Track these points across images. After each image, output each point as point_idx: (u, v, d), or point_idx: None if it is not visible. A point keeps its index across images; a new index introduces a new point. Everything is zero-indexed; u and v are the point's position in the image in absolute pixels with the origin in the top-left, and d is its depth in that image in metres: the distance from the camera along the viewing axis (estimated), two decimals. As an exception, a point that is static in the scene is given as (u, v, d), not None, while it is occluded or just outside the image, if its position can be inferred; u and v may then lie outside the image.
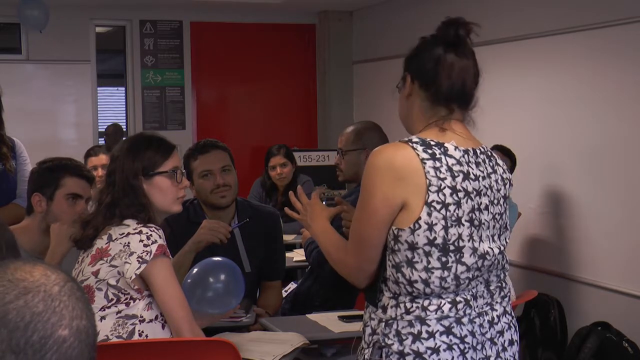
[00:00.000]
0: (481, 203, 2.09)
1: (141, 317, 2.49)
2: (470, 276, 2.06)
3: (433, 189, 2.01)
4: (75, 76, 7.25)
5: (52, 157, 3.17)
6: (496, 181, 2.15)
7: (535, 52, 5.32)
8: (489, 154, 2.19)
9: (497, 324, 2.13)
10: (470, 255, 2.05)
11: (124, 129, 7.74)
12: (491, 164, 2.16)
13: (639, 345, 4.50)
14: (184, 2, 7.30)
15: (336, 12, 7.74)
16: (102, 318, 2.46)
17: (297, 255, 4.72)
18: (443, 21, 2.16)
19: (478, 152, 2.14)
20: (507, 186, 2.20)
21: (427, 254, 2.02)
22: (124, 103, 7.79)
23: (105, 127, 8.05)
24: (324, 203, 2.45)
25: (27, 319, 0.99)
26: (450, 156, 2.06)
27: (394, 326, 2.05)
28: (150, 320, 2.50)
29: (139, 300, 2.49)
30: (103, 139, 7.84)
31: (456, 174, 2.05)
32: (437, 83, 2.12)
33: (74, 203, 3.03)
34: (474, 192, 2.07)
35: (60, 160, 3.14)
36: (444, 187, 2.02)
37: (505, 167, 2.23)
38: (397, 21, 6.89)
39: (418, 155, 2.03)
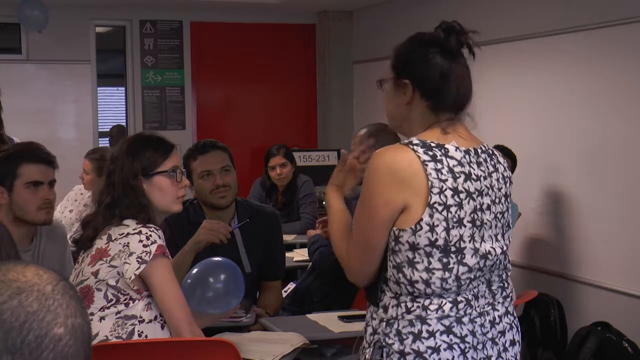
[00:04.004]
0: (483, 203, 2.09)
1: (140, 317, 2.49)
2: (472, 276, 2.06)
3: (435, 190, 2.01)
4: (75, 76, 7.25)
5: (8, 146, 3.13)
6: (497, 180, 2.15)
7: (535, 52, 5.31)
8: (490, 152, 2.18)
9: (498, 324, 2.13)
10: (472, 256, 2.05)
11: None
12: (492, 162, 2.16)
13: (639, 345, 4.50)
14: (184, 2, 7.30)
15: (336, 12, 7.74)
16: (102, 318, 2.46)
17: (297, 255, 4.72)
18: (441, 28, 2.13)
19: (479, 151, 2.14)
20: (508, 184, 2.20)
21: (428, 255, 2.02)
22: (124, 103, 7.80)
23: (107, 128, 8.06)
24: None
25: (22, 318, 0.99)
26: (451, 157, 2.06)
27: (395, 326, 2.05)
28: (150, 321, 2.50)
29: (139, 300, 2.49)
30: (107, 139, 7.86)
31: (457, 175, 2.05)
32: (443, 95, 2.10)
33: (36, 190, 2.99)
34: (476, 193, 2.07)
35: (16, 147, 3.09)
36: (446, 189, 2.02)
37: (506, 164, 2.23)
38: (397, 21, 6.89)
39: (419, 157, 2.02)
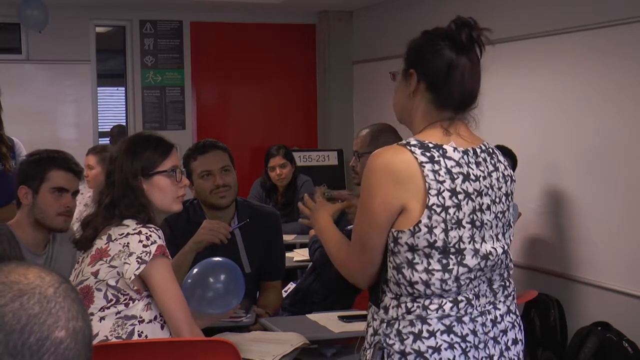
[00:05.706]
0: (482, 203, 2.08)
1: (140, 317, 2.49)
2: (472, 277, 2.06)
3: (433, 192, 2.00)
4: (75, 76, 7.25)
5: (40, 150, 3.18)
6: (497, 179, 2.14)
7: (535, 52, 5.31)
8: (490, 151, 2.17)
9: (500, 322, 2.13)
10: (472, 257, 2.05)
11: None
12: (492, 161, 2.14)
13: (639, 345, 4.50)
14: (184, 2, 7.30)
15: (336, 12, 7.74)
16: (102, 319, 2.46)
17: (297, 255, 4.72)
18: (455, 21, 2.11)
19: (478, 151, 2.13)
20: (509, 183, 2.18)
21: (427, 256, 2.02)
22: (124, 103, 7.80)
23: (107, 128, 8.06)
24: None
25: (23, 321, 0.99)
26: (449, 158, 2.05)
27: (395, 326, 2.05)
28: (150, 321, 2.50)
29: (138, 300, 2.49)
30: (108, 139, 7.85)
31: (455, 176, 2.04)
32: (448, 88, 2.08)
33: (60, 196, 3.05)
34: (475, 193, 2.06)
35: (48, 152, 3.14)
36: (443, 190, 2.01)
37: (507, 163, 2.22)
38: (397, 21, 6.89)
39: (416, 158, 2.02)
